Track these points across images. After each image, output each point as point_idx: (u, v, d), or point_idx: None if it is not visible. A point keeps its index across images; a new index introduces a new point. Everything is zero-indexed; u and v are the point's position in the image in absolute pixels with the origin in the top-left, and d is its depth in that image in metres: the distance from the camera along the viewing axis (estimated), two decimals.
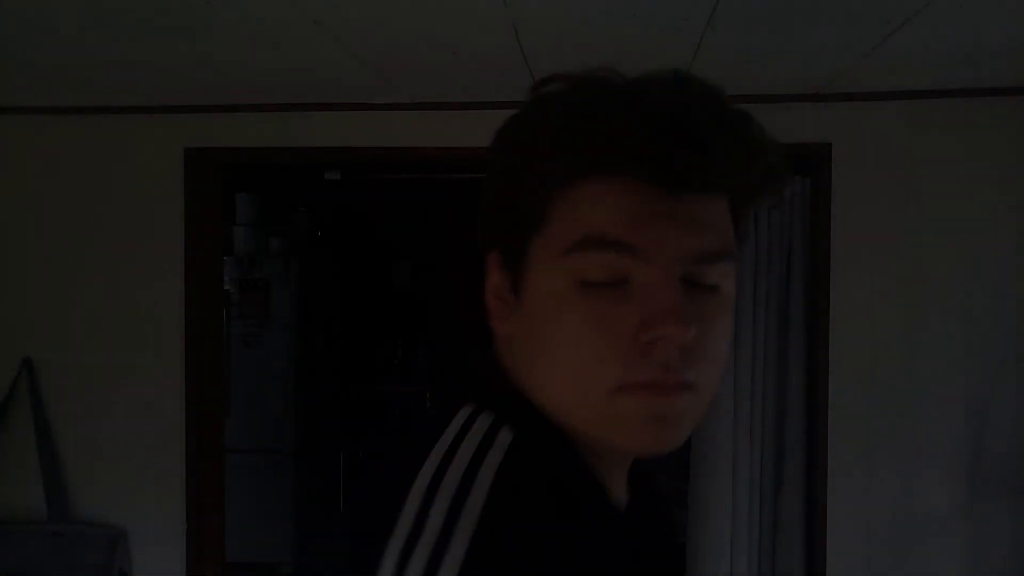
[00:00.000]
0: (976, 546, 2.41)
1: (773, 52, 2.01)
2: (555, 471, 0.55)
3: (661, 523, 0.70)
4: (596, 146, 0.52)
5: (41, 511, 2.66)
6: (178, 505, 2.67)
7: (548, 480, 0.54)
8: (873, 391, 2.45)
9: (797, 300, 2.55)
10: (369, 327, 5.10)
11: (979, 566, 2.41)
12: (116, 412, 2.70)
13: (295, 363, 4.04)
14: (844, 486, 2.46)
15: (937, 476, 2.42)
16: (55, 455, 2.69)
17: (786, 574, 2.54)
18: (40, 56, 2.07)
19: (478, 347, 0.65)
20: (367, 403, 4.78)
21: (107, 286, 2.70)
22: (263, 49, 1.97)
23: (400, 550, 0.50)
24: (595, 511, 0.57)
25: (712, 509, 2.53)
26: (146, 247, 2.68)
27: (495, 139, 0.60)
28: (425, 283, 5.17)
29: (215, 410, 2.78)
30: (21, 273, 2.73)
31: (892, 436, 2.44)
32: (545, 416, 0.57)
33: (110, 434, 2.70)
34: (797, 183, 2.57)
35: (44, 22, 1.79)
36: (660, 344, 0.52)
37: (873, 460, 2.45)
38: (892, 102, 2.39)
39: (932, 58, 2.06)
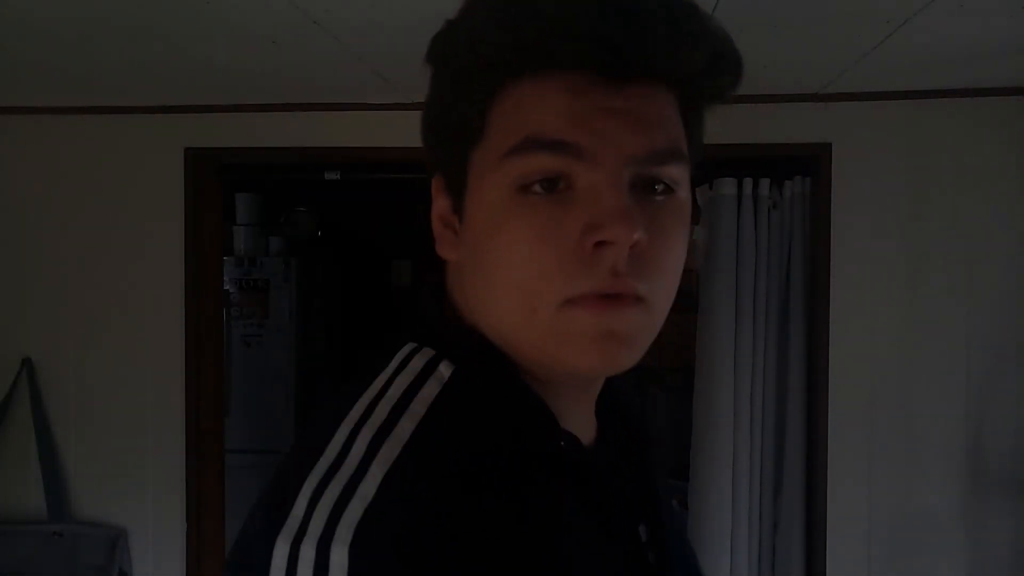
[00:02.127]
0: (976, 546, 2.41)
1: (773, 52, 2.01)
2: (495, 403, 0.52)
3: (638, 464, 0.64)
4: (528, 39, 0.48)
5: (41, 511, 2.66)
6: (178, 505, 2.67)
7: (484, 413, 0.52)
8: (873, 391, 2.45)
9: (797, 300, 2.54)
10: (369, 327, 5.10)
11: (979, 566, 2.41)
12: (116, 412, 2.70)
13: (295, 363, 4.04)
14: (844, 486, 2.46)
15: (937, 476, 2.42)
16: (55, 455, 2.69)
17: (786, 574, 2.54)
18: (40, 56, 2.07)
19: (426, 286, 0.63)
20: None
21: (107, 286, 2.70)
22: (263, 49, 1.97)
23: (318, 481, 0.47)
24: (540, 445, 0.53)
25: (712, 509, 2.53)
26: (146, 247, 2.68)
27: (428, 53, 0.56)
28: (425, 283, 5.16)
29: (215, 410, 2.78)
30: (21, 273, 2.73)
31: (892, 436, 2.44)
32: (490, 348, 0.54)
33: (110, 434, 2.70)
34: (797, 183, 2.57)
35: (44, 22, 1.79)
36: (607, 249, 0.48)
37: (873, 460, 2.45)
38: (892, 102, 2.39)
39: (932, 58, 2.06)
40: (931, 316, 2.42)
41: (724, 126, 0.60)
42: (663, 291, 0.52)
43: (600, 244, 0.49)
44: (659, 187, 0.52)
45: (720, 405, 2.54)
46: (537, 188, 0.49)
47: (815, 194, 2.52)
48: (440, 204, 0.57)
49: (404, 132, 2.80)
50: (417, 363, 0.54)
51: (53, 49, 2.01)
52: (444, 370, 0.53)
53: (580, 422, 0.59)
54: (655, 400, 3.60)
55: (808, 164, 2.53)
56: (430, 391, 0.51)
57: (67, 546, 2.60)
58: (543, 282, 0.50)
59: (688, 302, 2.53)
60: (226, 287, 3.74)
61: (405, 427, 0.49)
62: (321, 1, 1.64)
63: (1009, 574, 2.39)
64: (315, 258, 4.39)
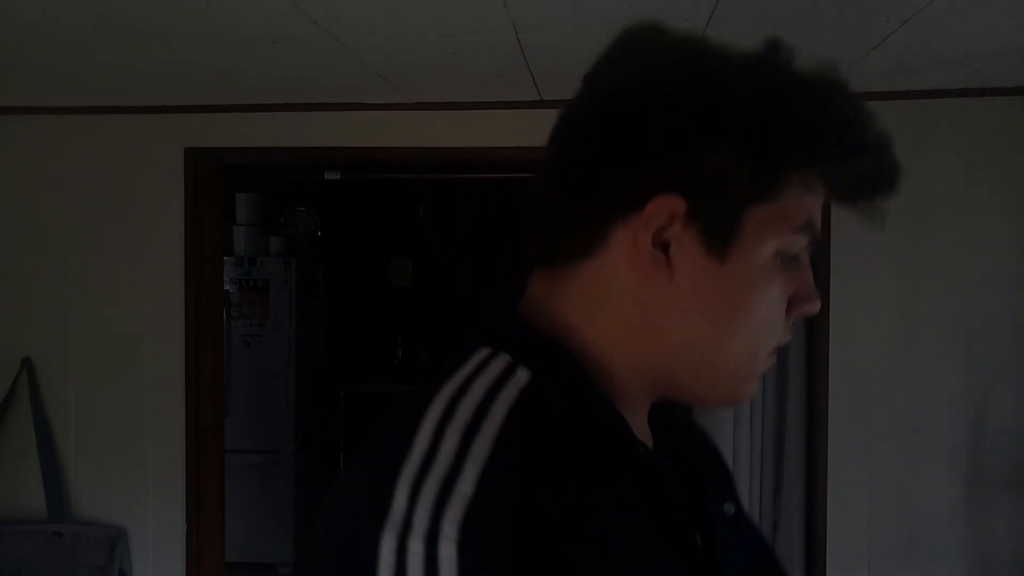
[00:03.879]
0: (976, 546, 2.41)
1: None
2: (574, 409, 0.55)
3: (690, 471, 0.69)
4: (846, 159, 0.58)
5: (41, 511, 2.66)
6: (178, 505, 2.68)
7: (565, 417, 0.54)
8: (873, 391, 2.45)
9: None
10: (369, 327, 5.10)
11: (979, 565, 2.41)
12: (116, 412, 2.70)
13: (295, 363, 4.04)
14: (844, 486, 2.46)
15: (937, 476, 2.42)
16: (55, 455, 2.69)
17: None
18: (40, 56, 2.07)
19: (490, 292, 0.66)
20: (367, 403, 4.78)
21: (107, 286, 2.70)
22: (263, 49, 1.97)
23: (413, 477, 0.49)
24: (619, 450, 0.56)
25: None
26: (146, 247, 2.68)
27: (719, 99, 0.56)
28: (425, 283, 5.18)
29: (215, 410, 2.78)
30: (21, 273, 2.73)
31: (892, 436, 2.44)
32: (573, 359, 0.58)
33: (110, 434, 2.70)
34: None
35: (44, 23, 1.79)
36: (802, 315, 0.61)
37: (873, 460, 2.45)
38: (892, 102, 2.39)
39: (932, 58, 2.06)
40: (931, 315, 2.43)
41: None
42: None
43: (806, 311, 0.62)
44: None
45: None
46: (787, 257, 0.59)
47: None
48: (662, 226, 0.57)
49: (404, 132, 2.80)
50: (495, 367, 0.56)
51: (53, 49, 2.01)
52: (522, 375, 0.55)
53: (642, 430, 0.63)
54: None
55: None
56: (509, 394, 0.53)
57: (67, 546, 2.60)
58: (773, 335, 0.61)
59: None
60: (226, 287, 3.74)
61: (491, 426, 0.51)
62: (321, 1, 1.64)
63: (1009, 574, 2.40)
64: (315, 258, 4.39)
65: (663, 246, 0.57)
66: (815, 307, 0.61)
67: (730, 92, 0.56)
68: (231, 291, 3.97)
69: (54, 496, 2.65)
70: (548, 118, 0.63)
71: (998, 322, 2.40)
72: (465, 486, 0.47)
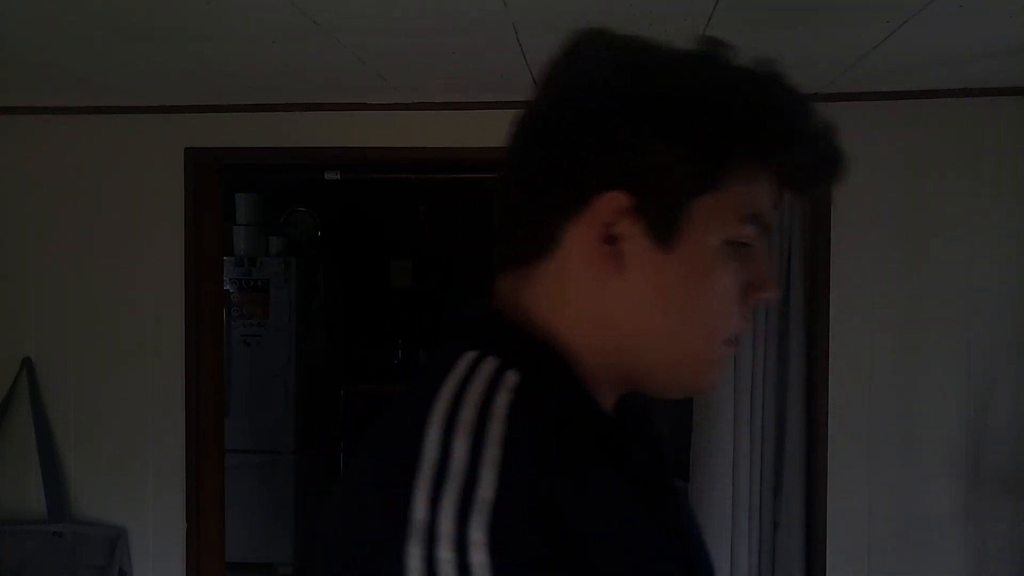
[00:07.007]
0: (976, 546, 2.41)
1: (773, 52, 2.00)
2: (565, 405, 0.58)
3: (657, 457, 0.73)
4: (786, 148, 0.60)
5: (41, 511, 2.66)
6: (178, 505, 2.68)
7: (559, 413, 0.56)
8: (873, 391, 2.45)
9: (797, 300, 2.54)
10: (369, 327, 5.10)
11: (979, 566, 2.41)
12: (116, 412, 2.70)
13: (295, 363, 4.04)
14: (844, 486, 2.46)
15: (937, 476, 2.42)
16: (55, 455, 2.69)
17: (786, 573, 2.54)
18: (41, 56, 2.07)
19: (473, 294, 0.66)
20: (367, 403, 4.78)
21: (107, 286, 2.70)
22: (263, 49, 1.97)
23: (430, 484, 0.49)
24: (615, 441, 0.60)
25: (712, 509, 2.53)
26: (146, 247, 2.68)
27: (658, 97, 0.58)
28: (425, 283, 5.18)
29: (215, 410, 2.78)
30: (21, 273, 2.73)
31: (892, 436, 2.44)
32: (558, 358, 0.60)
33: (110, 434, 2.70)
34: None
35: (45, 23, 1.79)
36: (758, 303, 0.62)
37: (873, 460, 2.45)
38: (892, 102, 2.39)
39: (932, 58, 2.06)
40: (931, 315, 2.42)
41: None
42: None
43: (763, 299, 0.62)
44: None
45: (720, 405, 2.54)
46: (737, 246, 0.60)
47: (815, 194, 2.51)
48: (608, 222, 0.59)
49: (404, 132, 2.80)
50: (486, 370, 0.57)
51: (54, 49, 2.01)
52: (512, 377, 0.56)
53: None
54: (656, 400, 3.60)
55: None
56: (506, 396, 0.54)
57: (67, 546, 2.60)
58: (727, 324, 0.61)
59: None
60: (226, 287, 3.74)
61: (496, 430, 0.52)
62: (321, 1, 1.64)
63: (1009, 574, 2.40)
64: (315, 258, 4.39)
65: (612, 242, 0.59)
66: (771, 294, 0.62)
67: (668, 89, 0.58)
68: (231, 291, 3.97)
69: (54, 496, 2.65)
70: None
71: (998, 323, 2.40)
72: (485, 492, 0.48)
